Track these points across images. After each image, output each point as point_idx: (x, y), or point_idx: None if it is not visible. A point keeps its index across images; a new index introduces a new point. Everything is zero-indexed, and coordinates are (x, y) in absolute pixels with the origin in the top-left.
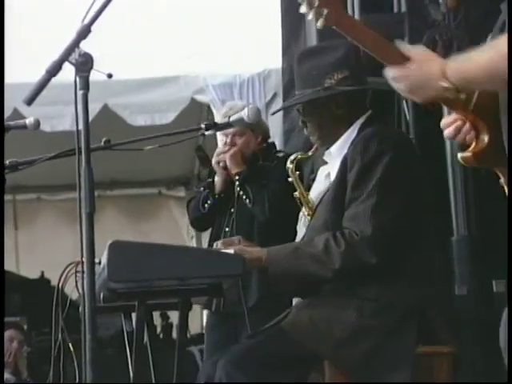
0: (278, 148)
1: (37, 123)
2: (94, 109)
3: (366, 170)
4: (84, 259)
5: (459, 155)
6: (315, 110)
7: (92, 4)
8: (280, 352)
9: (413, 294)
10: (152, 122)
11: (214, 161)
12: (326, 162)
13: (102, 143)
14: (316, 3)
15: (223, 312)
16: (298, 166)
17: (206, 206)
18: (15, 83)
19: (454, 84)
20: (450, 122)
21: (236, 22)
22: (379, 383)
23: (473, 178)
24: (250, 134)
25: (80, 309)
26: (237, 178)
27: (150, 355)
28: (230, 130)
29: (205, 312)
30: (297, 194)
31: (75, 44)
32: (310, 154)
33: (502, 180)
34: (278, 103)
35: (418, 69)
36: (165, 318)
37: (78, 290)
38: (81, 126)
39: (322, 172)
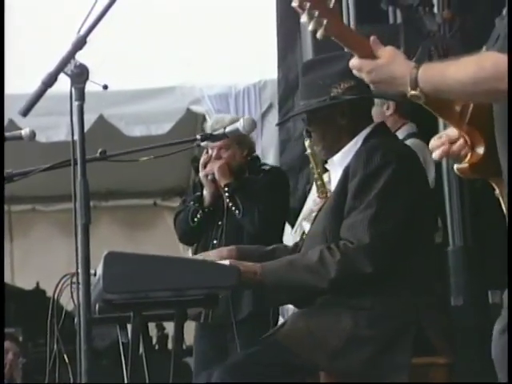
0: (272, 157)
1: (32, 134)
2: (90, 120)
3: (368, 180)
4: (79, 270)
5: (455, 166)
6: (320, 119)
7: (88, 15)
8: (276, 362)
9: (409, 305)
10: (148, 133)
11: (201, 174)
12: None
13: (98, 154)
14: (316, 13)
15: (211, 323)
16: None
17: (196, 219)
18: (11, 94)
19: (425, 91)
20: (436, 146)
21: (232, 33)
22: None
23: (468, 188)
24: (235, 148)
25: (75, 320)
26: (226, 189)
27: (145, 366)
28: (216, 143)
29: None
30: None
31: (71, 55)
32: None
33: (497, 191)
34: (274, 114)
35: (385, 66)
36: (160, 328)
37: (73, 301)
38: (76, 137)
39: None
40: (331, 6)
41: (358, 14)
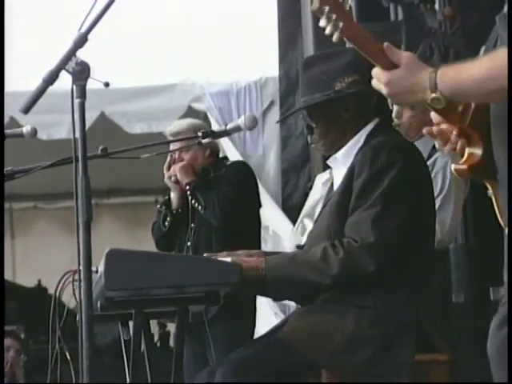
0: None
1: (33, 131)
2: (91, 117)
3: (374, 179)
4: (81, 267)
5: (453, 167)
6: (324, 113)
7: (89, 12)
8: (278, 360)
9: (410, 303)
10: (149, 130)
11: (165, 177)
12: (323, 170)
13: (99, 151)
14: (334, 16)
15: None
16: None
17: (167, 223)
18: (12, 92)
19: (445, 94)
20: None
21: (233, 30)
22: None
23: (470, 186)
24: (196, 149)
25: (77, 317)
26: (188, 187)
27: (147, 363)
28: (176, 146)
29: None
30: None
31: (72, 53)
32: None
33: (490, 191)
34: (275, 111)
35: (403, 76)
36: (162, 326)
37: (75, 298)
38: (78, 135)
39: (318, 180)
40: (347, 8)
41: (360, 11)
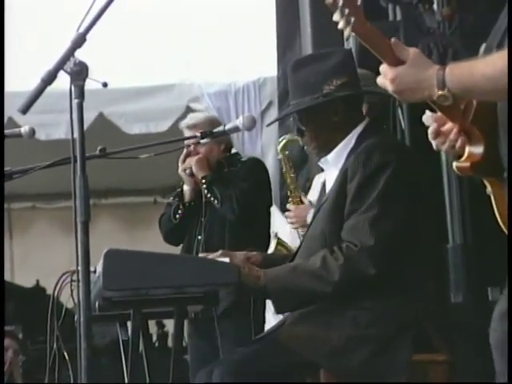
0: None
1: (32, 132)
2: (90, 117)
3: (368, 181)
4: (79, 268)
5: (454, 164)
6: (314, 117)
7: (87, 13)
8: (276, 361)
9: (409, 304)
10: (147, 131)
11: (179, 169)
12: (322, 170)
13: (98, 152)
14: (346, 11)
15: (200, 319)
16: (287, 146)
17: (178, 216)
18: (10, 92)
19: (453, 91)
20: (431, 137)
21: (231, 31)
22: None
23: (468, 185)
24: (212, 143)
25: (75, 317)
26: (203, 181)
27: (145, 364)
28: (193, 140)
29: None
30: (288, 179)
31: (70, 53)
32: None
33: (489, 190)
34: (274, 111)
35: (409, 72)
36: (160, 326)
37: (73, 298)
38: (76, 135)
39: (317, 180)
40: (359, 2)
41: None
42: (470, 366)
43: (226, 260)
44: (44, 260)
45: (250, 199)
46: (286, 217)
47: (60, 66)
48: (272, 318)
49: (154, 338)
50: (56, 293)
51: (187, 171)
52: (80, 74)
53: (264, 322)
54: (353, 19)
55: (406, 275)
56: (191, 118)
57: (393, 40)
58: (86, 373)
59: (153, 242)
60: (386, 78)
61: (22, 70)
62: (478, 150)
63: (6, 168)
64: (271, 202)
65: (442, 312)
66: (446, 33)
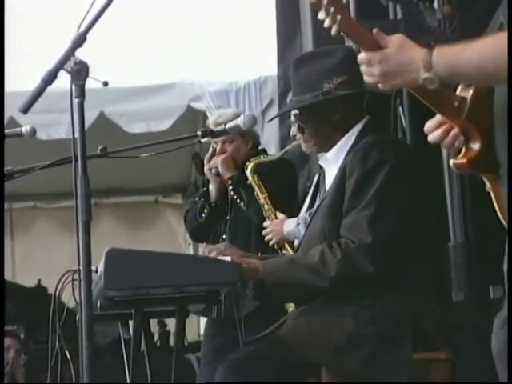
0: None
1: (33, 131)
2: (91, 117)
3: (366, 178)
4: (81, 267)
5: (451, 161)
6: (313, 115)
7: (87, 12)
8: (277, 359)
9: (409, 302)
10: (148, 130)
11: (205, 168)
12: (321, 169)
13: (99, 151)
14: (331, 10)
15: (223, 319)
16: (256, 169)
17: (203, 215)
18: (11, 92)
19: (439, 75)
20: (435, 125)
21: (232, 29)
22: None
23: (469, 183)
24: (240, 141)
25: (77, 317)
26: (230, 182)
27: (147, 363)
28: (220, 138)
29: (202, 319)
30: (261, 200)
31: (71, 52)
32: (268, 159)
33: (488, 186)
34: (275, 110)
35: (395, 54)
36: (162, 325)
37: (74, 298)
38: (77, 134)
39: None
40: (344, 1)
41: (359, 10)
42: (472, 365)
43: (228, 259)
44: (45, 259)
45: (277, 201)
46: (264, 234)
47: (61, 65)
48: None
49: (156, 337)
50: (58, 292)
51: (213, 171)
52: (81, 73)
53: None
54: (339, 17)
55: (406, 273)
56: (220, 116)
57: (374, 30)
58: (87, 372)
59: (154, 241)
60: (371, 63)
61: (23, 70)
62: (475, 146)
63: (8, 168)
64: (297, 200)
65: (443, 310)
66: (446, 31)
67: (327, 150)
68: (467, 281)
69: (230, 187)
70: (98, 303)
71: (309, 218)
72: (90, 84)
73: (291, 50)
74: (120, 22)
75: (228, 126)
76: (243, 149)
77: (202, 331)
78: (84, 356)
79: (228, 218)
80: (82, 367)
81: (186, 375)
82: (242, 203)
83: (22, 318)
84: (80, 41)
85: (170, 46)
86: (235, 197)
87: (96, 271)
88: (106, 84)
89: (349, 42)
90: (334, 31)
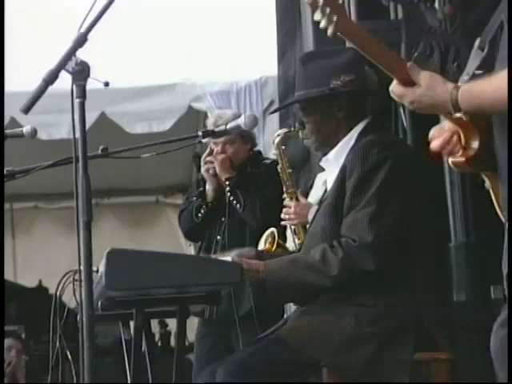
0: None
1: (34, 132)
2: (92, 117)
3: (366, 178)
4: (82, 267)
5: (450, 160)
6: (318, 109)
7: (88, 12)
8: (279, 359)
9: (411, 302)
10: (149, 130)
11: (203, 169)
12: (323, 169)
13: (100, 151)
14: (328, 10)
15: (216, 320)
16: (284, 141)
17: (200, 215)
18: (12, 92)
19: (465, 110)
20: (438, 133)
21: (232, 30)
22: None
23: (470, 183)
24: (240, 142)
25: (78, 317)
26: (227, 183)
27: (148, 363)
28: (221, 139)
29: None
30: (284, 175)
31: (72, 52)
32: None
33: (487, 184)
34: None
35: (425, 96)
36: (163, 325)
37: (75, 298)
38: (78, 134)
39: (319, 178)
40: (340, 1)
41: (360, 10)
42: (473, 365)
43: (228, 259)
44: (46, 260)
45: (273, 207)
46: (285, 213)
47: (62, 65)
48: None
49: (157, 338)
50: (59, 292)
51: (210, 171)
52: (82, 73)
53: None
54: (335, 18)
55: (407, 272)
56: (220, 117)
57: (409, 64)
58: (88, 372)
59: (155, 240)
60: (402, 99)
61: (24, 70)
62: (474, 144)
63: (9, 168)
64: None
65: (444, 310)
66: (447, 31)
67: (326, 148)
68: (468, 281)
69: (228, 188)
70: (99, 303)
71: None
72: (91, 84)
73: (291, 50)
74: (121, 23)
75: (229, 126)
76: (242, 150)
77: None
78: (85, 356)
79: (223, 219)
80: (82, 367)
81: (187, 375)
82: (239, 205)
83: (23, 319)
84: (81, 41)
85: (171, 46)
86: (232, 198)
87: (97, 271)
88: (106, 84)
89: (350, 44)
90: (330, 32)
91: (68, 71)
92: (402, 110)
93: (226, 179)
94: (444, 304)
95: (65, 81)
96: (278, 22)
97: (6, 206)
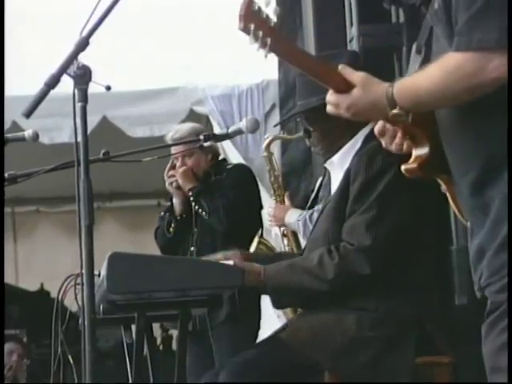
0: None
1: (35, 136)
2: (93, 121)
3: (369, 183)
4: (83, 271)
5: (402, 167)
6: (320, 117)
7: (90, 16)
8: (280, 363)
9: (412, 306)
10: (151, 134)
11: (166, 184)
12: (325, 172)
13: (101, 155)
14: (260, 34)
15: (196, 331)
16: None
17: (171, 229)
18: (14, 96)
19: (401, 105)
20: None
21: (234, 33)
22: None
23: None
24: (199, 154)
25: (80, 321)
26: (190, 193)
27: (149, 367)
28: (180, 152)
29: None
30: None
31: (73, 56)
32: (288, 137)
33: (444, 187)
34: (277, 114)
35: (361, 97)
36: (165, 329)
37: (77, 302)
38: (80, 138)
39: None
40: (272, 24)
41: (361, 13)
42: (475, 369)
43: (230, 263)
44: (48, 263)
45: (237, 208)
46: (267, 215)
47: (63, 69)
48: (277, 321)
49: (159, 342)
50: (60, 296)
51: (174, 184)
52: (83, 77)
53: (259, 328)
54: (269, 40)
55: (408, 276)
56: (176, 131)
57: (340, 66)
58: (90, 376)
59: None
60: (338, 107)
61: (26, 74)
62: (424, 150)
63: (11, 172)
64: (261, 205)
65: (446, 314)
66: None
67: (334, 154)
68: (470, 284)
69: (191, 198)
70: (101, 307)
71: (308, 219)
72: (93, 88)
73: None
74: (123, 26)
75: (231, 129)
76: (203, 161)
77: None
78: (86, 360)
79: (196, 230)
80: (84, 371)
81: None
82: (204, 213)
83: (24, 322)
84: (83, 45)
85: (172, 50)
86: (197, 207)
87: (99, 275)
88: (108, 88)
89: (351, 46)
90: (264, 54)
91: (70, 75)
92: None
93: (189, 190)
94: (445, 307)
95: (66, 85)
96: (278, 25)
97: (8, 209)
